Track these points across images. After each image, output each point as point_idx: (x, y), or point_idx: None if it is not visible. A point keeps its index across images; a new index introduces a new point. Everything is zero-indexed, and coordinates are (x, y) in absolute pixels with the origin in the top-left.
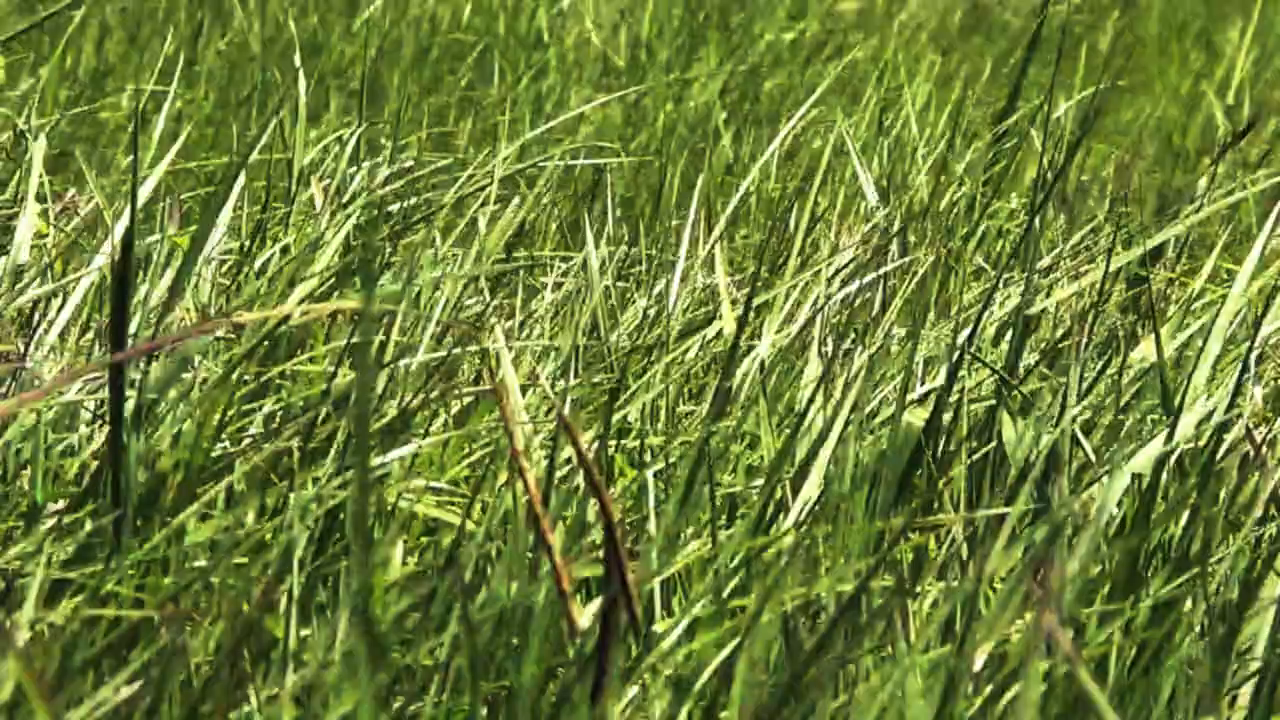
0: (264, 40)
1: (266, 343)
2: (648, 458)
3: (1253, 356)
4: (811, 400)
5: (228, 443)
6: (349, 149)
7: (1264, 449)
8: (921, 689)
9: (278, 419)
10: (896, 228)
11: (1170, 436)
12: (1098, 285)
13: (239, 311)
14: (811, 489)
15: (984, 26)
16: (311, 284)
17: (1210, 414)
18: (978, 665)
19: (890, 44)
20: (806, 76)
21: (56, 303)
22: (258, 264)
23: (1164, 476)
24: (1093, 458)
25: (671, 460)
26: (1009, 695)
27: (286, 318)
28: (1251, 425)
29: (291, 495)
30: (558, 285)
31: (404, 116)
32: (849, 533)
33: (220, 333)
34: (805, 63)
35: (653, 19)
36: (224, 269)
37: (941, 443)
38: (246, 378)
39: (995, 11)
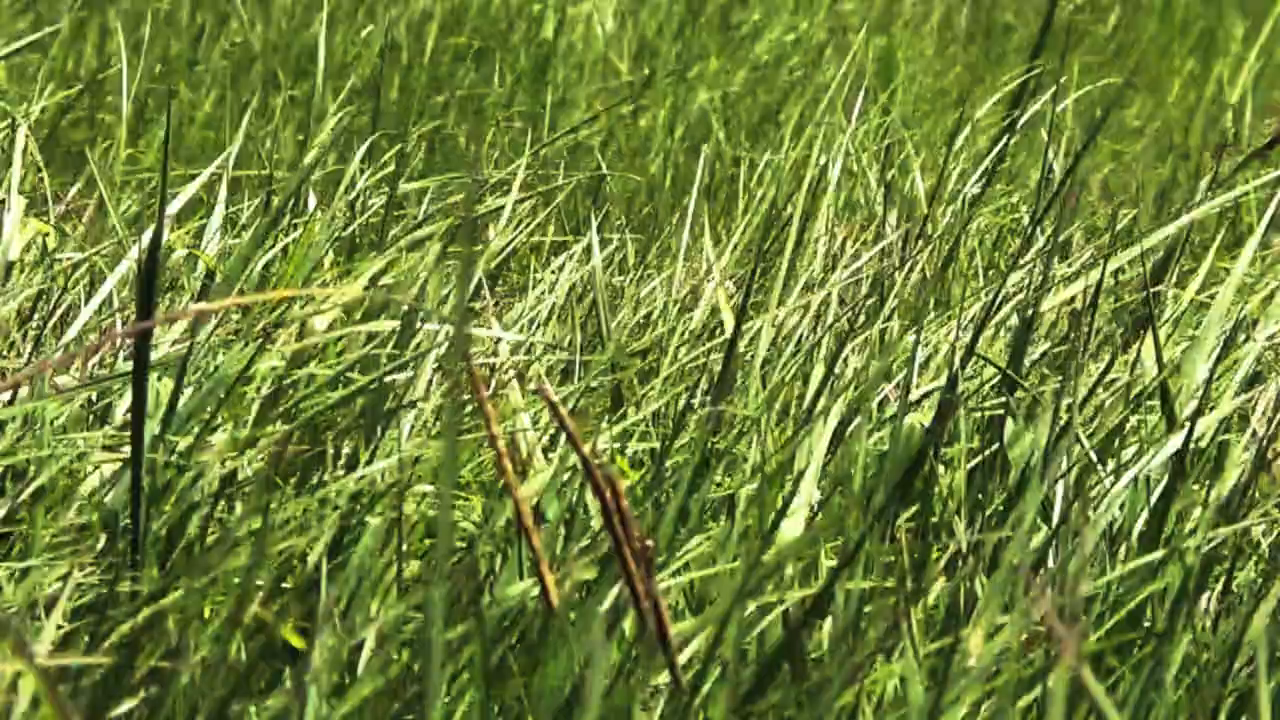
0: (266, 42)
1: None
2: (649, 460)
3: (1249, 355)
4: (816, 400)
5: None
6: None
7: (1268, 449)
8: (921, 684)
9: (293, 422)
10: (895, 227)
11: (1187, 441)
12: (1097, 286)
13: (251, 293)
14: (812, 489)
15: (984, 27)
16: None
17: (1211, 415)
18: (974, 661)
19: (892, 44)
20: (807, 76)
21: (73, 295)
22: (259, 265)
23: (1168, 479)
24: (1094, 459)
25: (672, 463)
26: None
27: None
28: (1257, 426)
29: (306, 498)
30: (558, 284)
31: (408, 119)
32: (852, 534)
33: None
34: (809, 62)
35: (655, 19)
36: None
37: (944, 443)
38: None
39: (996, 13)
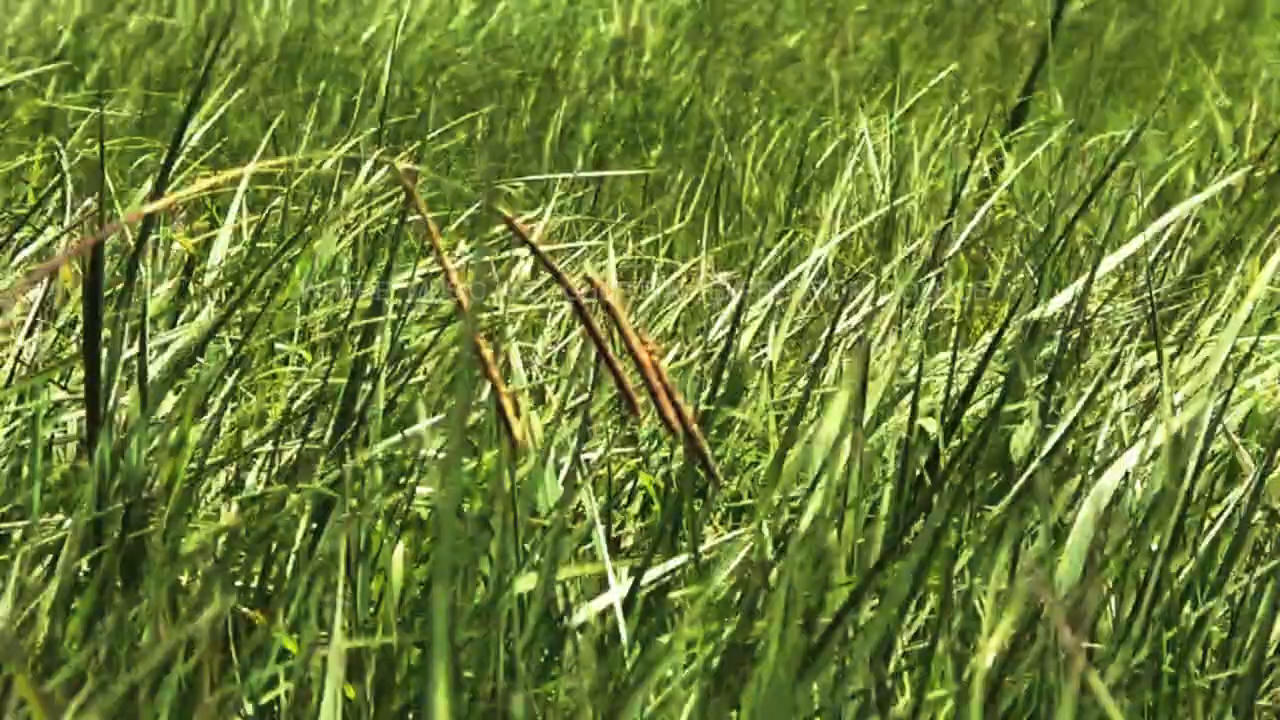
0: (277, 47)
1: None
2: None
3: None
4: (805, 401)
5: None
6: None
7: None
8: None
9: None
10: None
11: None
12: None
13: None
14: (817, 495)
15: (985, 27)
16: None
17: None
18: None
19: (894, 44)
20: (814, 76)
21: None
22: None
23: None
24: (1097, 457)
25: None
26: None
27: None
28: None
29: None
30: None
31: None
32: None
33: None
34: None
35: (664, 21)
36: (228, 269)
37: (947, 444)
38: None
39: (999, 13)
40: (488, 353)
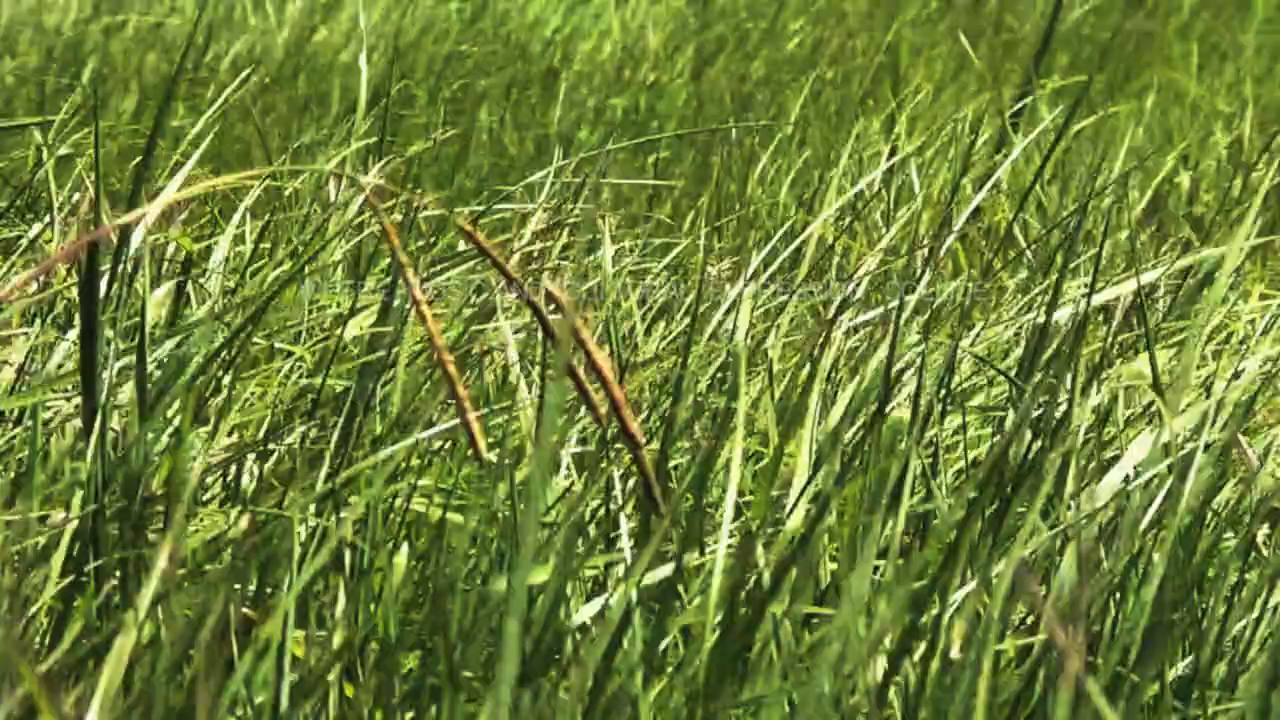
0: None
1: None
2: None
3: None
4: (806, 393)
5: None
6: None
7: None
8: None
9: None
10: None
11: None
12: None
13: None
14: (809, 490)
15: (983, 26)
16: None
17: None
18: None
19: (894, 44)
20: (813, 77)
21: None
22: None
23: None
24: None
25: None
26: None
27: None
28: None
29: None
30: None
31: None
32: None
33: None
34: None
35: (665, 23)
36: (231, 270)
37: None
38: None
39: (997, 12)
40: (453, 369)
